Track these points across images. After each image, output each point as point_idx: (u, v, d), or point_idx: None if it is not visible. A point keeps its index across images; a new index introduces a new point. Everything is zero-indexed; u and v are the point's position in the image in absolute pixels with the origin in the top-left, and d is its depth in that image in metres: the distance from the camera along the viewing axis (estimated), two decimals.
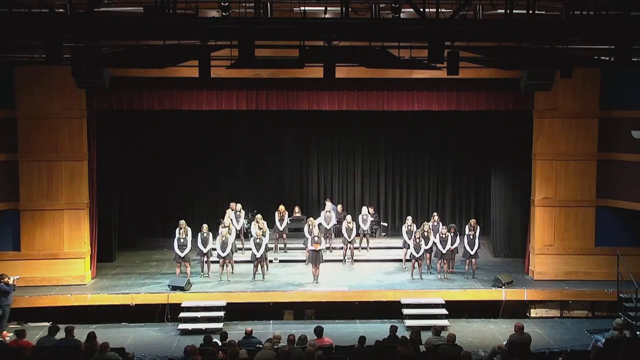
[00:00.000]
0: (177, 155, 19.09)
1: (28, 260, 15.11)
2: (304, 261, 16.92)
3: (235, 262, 16.14)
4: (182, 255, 15.31)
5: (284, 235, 17.49)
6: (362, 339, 10.89)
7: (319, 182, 19.70)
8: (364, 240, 17.68)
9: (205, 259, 15.86)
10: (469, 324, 14.59)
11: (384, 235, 19.18)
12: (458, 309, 14.87)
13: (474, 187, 19.57)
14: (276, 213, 17.40)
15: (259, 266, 15.58)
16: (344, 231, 16.88)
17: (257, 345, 10.90)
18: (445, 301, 14.69)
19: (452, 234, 15.88)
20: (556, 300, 15.19)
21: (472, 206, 19.55)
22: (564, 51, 11.05)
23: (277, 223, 17.37)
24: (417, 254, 15.64)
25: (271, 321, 14.56)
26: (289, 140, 19.46)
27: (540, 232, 15.87)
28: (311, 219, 16.91)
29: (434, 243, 15.94)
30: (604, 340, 11.34)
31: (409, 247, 16.01)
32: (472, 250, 15.79)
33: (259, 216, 16.66)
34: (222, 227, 15.84)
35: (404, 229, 16.50)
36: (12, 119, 15.00)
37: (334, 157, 19.64)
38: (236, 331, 13.16)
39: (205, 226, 15.79)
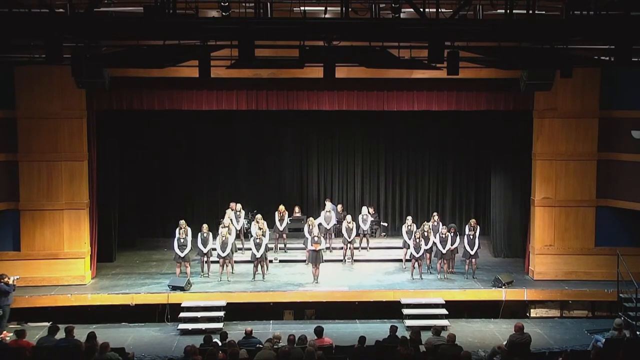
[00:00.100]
0: (177, 155, 19.09)
1: (28, 260, 15.11)
2: (304, 261, 16.92)
3: (235, 262, 16.14)
4: (182, 255, 15.31)
5: (284, 235, 17.49)
6: (362, 339, 10.89)
7: (319, 182, 19.70)
8: (364, 240, 17.68)
9: (205, 259, 15.86)
10: (469, 324, 14.59)
11: (384, 235, 19.18)
12: (458, 309, 14.87)
13: (474, 187, 19.57)
14: (276, 213, 17.40)
15: (259, 266, 15.58)
16: (344, 231, 16.88)
17: (257, 345, 10.90)
18: (445, 301, 14.69)
19: (452, 234, 15.88)
20: (556, 300, 15.19)
21: (472, 206, 19.55)
22: (564, 51, 11.05)
23: (277, 223, 17.37)
24: (417, 254, 15.64)
25: (271, 321, 14.56)
26: (289, 140, 19.46)
27: (540, 232, 15.87)
28: (311, 219, 16.91)
29: (434, 243, 15.94)
30: (604, 340, 11.34)
31: (409, 247, 16.01)
32: (472, 250, 15.79)
33: (259, 216, 16.66)
34: (222, 227, 15.84)
35: (404, 229, 16.50)
36: (12, 119, 15.00)
37: (334, 157, 19.64)
38: (236, 331, 13.16)
39: (205, 226, 15.79)
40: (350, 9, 9.23)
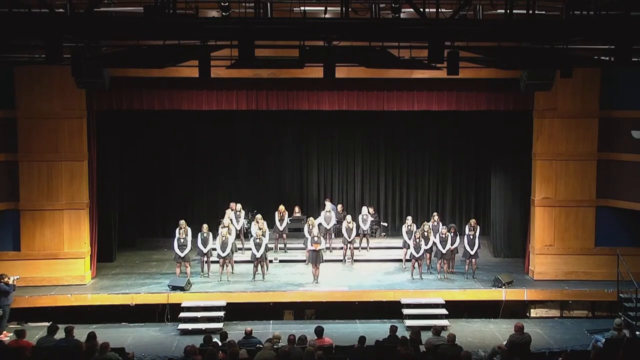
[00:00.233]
0: (177, 155, 19.09)
1: (28, 260, 15.11)
2: (304, 261, 16.92)
3: (235, 262, 16.14)
4: (182, 255, 15.31)
5: (284, 235, 17.49)
6: (362, 339, 10.89)
7: (319, 182, 19.70)
8: (364, 240, 17.68)
9: (205, 259, 15.86)
10: (469, 324, 14.59)
11: (384, 235, 19.18)
12: (458, 309, 14.87)
13: (474, 187, 19.57)
14: (276, 213, 17.40)
15: (259, 266, 15.58)
16: (344, 231, 16.88)
17: (257, 345, 10.91)
18: (445, 301, 14.69)
19: (452, 234, 15.88)
20: (556, 300, 15.19)
21: (472, 206, 19.55)
22: (564, 51, 11.05)
23: (277, 223, 17.37)
24: (417, 254, 15.64)
25: (271, 321, 14.56)
26: (289, 140, 19.46)
27: (540, 232, 15.87)
28: (311, 218, 16.91)
29: (434, 243, 15.94)
30: (604, 340, 11.34)
31: (409, 247, 16.01)
32: (472, 250, 15.79)
33: (259, 216, 16.65)
34: (222, 227, 15.83)
35: (404, 229, 16.50)
36: (12, 119, 15.00)
37: (334, 157, 19.64)
38: (236, 331, 13.16)
39: (205, 226, 15.79)
40: (350, 9, 9.23)
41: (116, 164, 17.49)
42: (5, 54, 12.16)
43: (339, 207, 18.53)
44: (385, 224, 19.35)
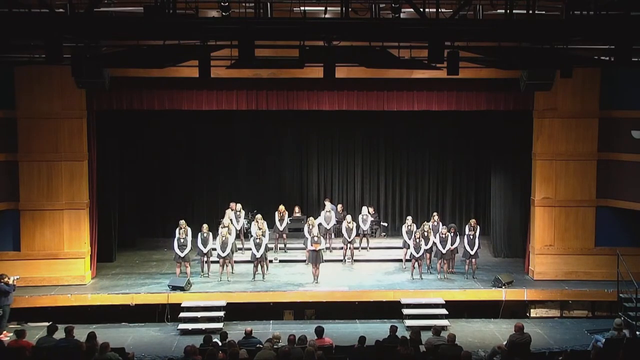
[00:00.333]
0: (177, 155, 19.10)
1: (28, 260, 15.11)
2: (304, 261, 16.92)
3: (235, 262, 16.14)
4: (182, 255, 15.31)
5: (284, 235, 17.49)
6: (362, 339, 10.89)
7: (319, 182, 19.70)
8: (364, 240, 17.68)
9: (205, 259, 15.86)
10: (469, 324, 14.59)
11: (384, 235, 19.17)
12: (458, 309, 14.87)
13: (474, 187, 19.57)
14: (276, 213, 17.40)
15: (259, 266, 15.58)
16: (344, 231, 16.88)
17: (257, 345, 10.91)
18: (445, 301, 14.69)
19: (452, 234, 15.88)
20: (556, 300, 15.19)
21: (472, 206, 19.55)
22: (564, 51, 11.05)
23: (277, 223, 17.37)
24: (417, 254, 15.64)
25: (271, 321, 14.56)
26: (289, 140, 19.46)
27: (540, 232, 15.87)
28: (311, 218, 16.91)
29: (434, 243, 15.94)
30: (604, 340, 11.35)
31: (409, 247, 16.01)
32: (472, 250, 15.79)
33: (259, 216, 16.65)
34: (222, 227, 15.83)
35: (404, 229, 16.50)
36: (12, 119, 15.00)
37: (334, 157, 19.65)
38: (236, 331, 13.16)
39: (205, 226, 15.79)
40: (350, 9, 9.23)
41: (116, 164, 17.49)
42: (5, 54, 12.16)
43: (339, 207, 18.53)
44: (385, 224, 19.35)
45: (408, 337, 10.81)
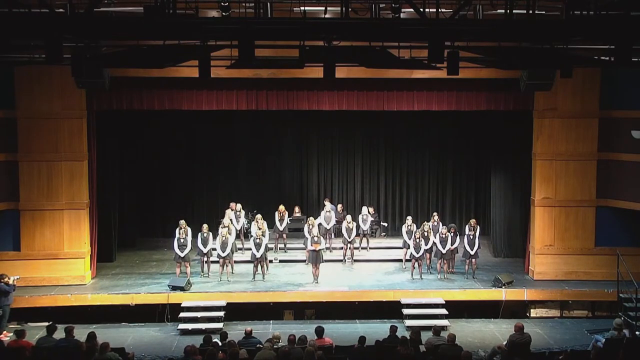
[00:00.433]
0: (177, 155, 19.10)
1: (28, 260, 15.11)
2: (304, 261, 16.92)
3: (235, 262, 16.14)
4: (182, 255, 15.31)
5: (284, 235, 17.49)
6: (362, 339, 10.89)
7: (319, 182, 19.70)
8: (364, 240, 17.68)
9: (205, 259, 15.86)
10: (469, 324, 14.59)
11: (384, 235, 19.17)
12: (458, 309, 14.87)
13: (474, 187, 19.58)
14: (276, 213, 17.40)
15: (259, 266, 15.58)
16: (344, 231, 16.88)
17: (257, 345, 10.91)
18: (445, 301, 14.69)
19: (452, 234, 15.88)
20: (556, 300, 15.19)
21: (472, 206, 19.56)
22: (564, 51, 11.05)
23: (277, 223, 17.37)
24: (417, 254, 15.64)
25: (271, 321, 14.55)
26: (289, 140, 19.46)
27: (540, 232, 15.87)
28: (311, 218, 16.91)
29: (434, 243, 15.94)
30: (604, 340, 11.34)
31: (409, 247, 16.01)
32: (472, 250, 15.79)
33: (259, 216, 16.65)
34: (222, 227, 15.83)
35: (404, 229, 16.50)
36: (12, 119, 15.00)
37: (334, 157, 19.65)
38: (236, 331, 13.16)
39: (205, 226, 15.79)
40: (350, 9, 9.23)
41: (116, 164, 17.49)
42: (5, 54, 12.16)
43: (339, 207, 18.53)
44: (385, 224, 19.35)
45: (408, 337, 10.81)
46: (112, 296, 14.69)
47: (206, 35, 9.84)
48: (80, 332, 11.48)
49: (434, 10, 9.21)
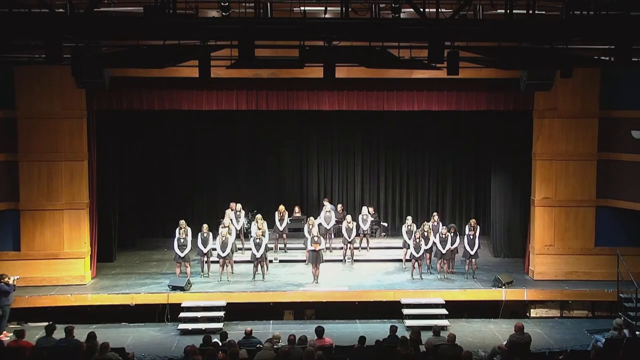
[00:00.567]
0: (177, 155, 19.10)
1: (28, 260, 15.11)
2: (304, 261, 16.91)
3: (235, 262, 16.14)
4: (182, 255, 15.31)
5: (284, 235, 17.49)
6: (362, 339, 10.90)
7: (319, 182, 19.70)
8: (364, 240, 17.68)
9: (205, 259, 15.86)
10: (469, 324, 14.59)
11: (384, 235, 19.17)
12: (458, 309, 14.87)
13: (474, 187, 19.58)
14: (276, 213, 17.39)
15: (259, 266, 15.58)
16: (344, 231, 16.88)
17: (257, 345, 10.91)
18: (445, 301, 14.69)
19: (452, 234, 15.88)
20: (556, 300, 15.19)
21: (472, 206, 19.56)
22: (564, 51, 11.05)
23: (277, 223, 17.36)
24: (417, 254, 15.64)
25: (271, 321, 14.56)
26: (289, 140, 19.46)
27: (540, 232, 15.87)
28: (311, 218, 16.91)
29: (434, 243, 15.94)
30: (604, 340, 11.34)
31: (409, 247, 16.01)
32: (472, 250, 15.79)
33: (259, 216, 16.65)
34: (222, 227, 15.83)
35: (404, 229, 16.51)
36: (12, 119, 15.00)
37: (334, 157, 19.65)
38: (236, 331, 13.17)
39: (205, 226, 15.79)
40: (350, 9, 9.22)
41: (116, 164, 17.49)
42: (5, 54, 12.15)
43: (339, 207, 18.53)
44: (385, 224, 19.35)
45: (408, 337, 10.81)
46: (112, 296, 14.69)
47: (206, 35, 9.84)
48: (80, 332, 11.49)
49: (434, 10, 9.21)
